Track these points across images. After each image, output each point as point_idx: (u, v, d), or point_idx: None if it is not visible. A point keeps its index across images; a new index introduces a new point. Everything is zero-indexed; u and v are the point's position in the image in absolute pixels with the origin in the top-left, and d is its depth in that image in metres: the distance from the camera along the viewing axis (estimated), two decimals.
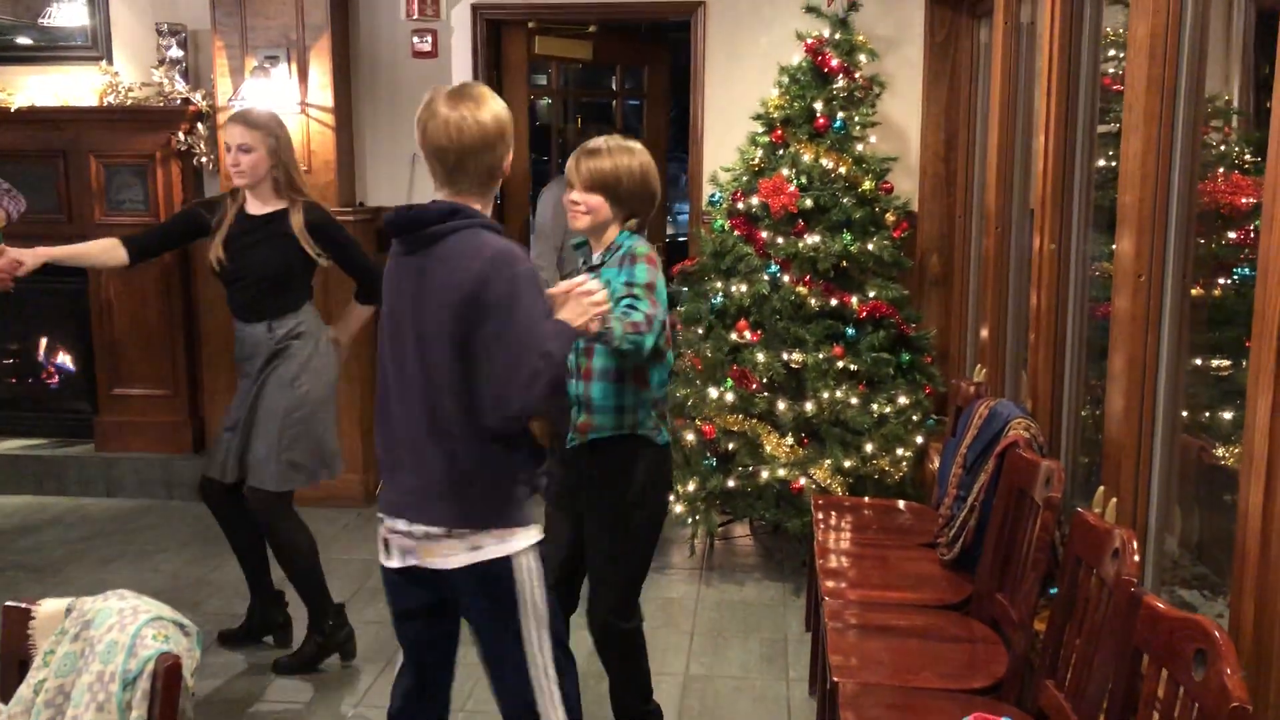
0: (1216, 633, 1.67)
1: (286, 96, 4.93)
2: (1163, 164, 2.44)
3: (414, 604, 2.33)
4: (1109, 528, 2.17)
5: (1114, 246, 2.62)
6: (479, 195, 2.22)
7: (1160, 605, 1.85)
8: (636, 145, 2.79)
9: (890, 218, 4.46)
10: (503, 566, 2.20)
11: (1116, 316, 2.58)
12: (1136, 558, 2.05)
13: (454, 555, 2.18)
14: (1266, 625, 1.80)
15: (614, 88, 6.39)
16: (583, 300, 2.24)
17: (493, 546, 2.18)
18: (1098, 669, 2.05)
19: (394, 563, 2.27)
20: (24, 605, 1.73)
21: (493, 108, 2.18)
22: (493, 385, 2.08)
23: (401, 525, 2.21)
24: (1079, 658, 2.21)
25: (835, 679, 2.52)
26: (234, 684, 3.50)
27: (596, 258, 2.76)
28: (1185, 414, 2.60)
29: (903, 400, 4.33)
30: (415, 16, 5.13)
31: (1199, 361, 2.77)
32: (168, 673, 1.57)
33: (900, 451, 4.27)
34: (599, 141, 2.75)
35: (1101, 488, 2.63)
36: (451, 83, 5.36)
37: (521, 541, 2.22)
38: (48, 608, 1.72)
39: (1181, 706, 1.73)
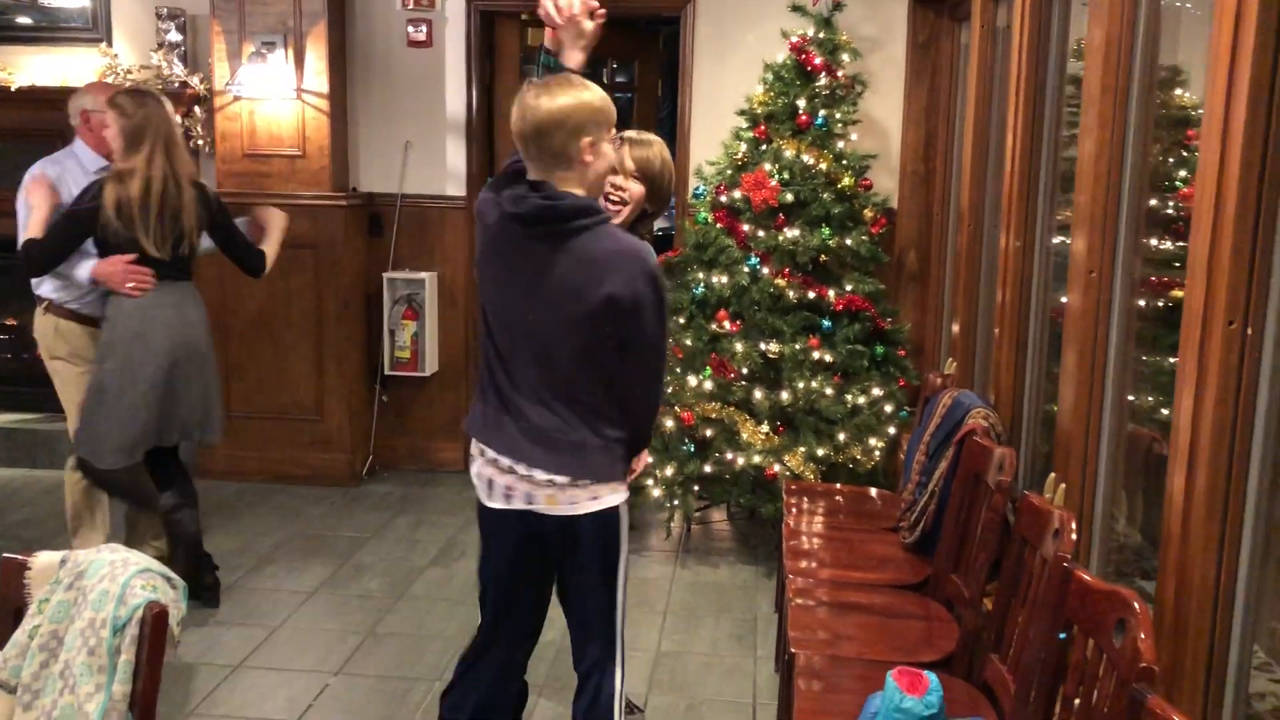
0: (1136, 603, 1.79)
1: (283, 82, 5.03)
2: (1114, 166, 2.55)
3: (515, 545, 2.45)
4: (1050, 509, 2.29)
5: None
6: (573, 179, 2.28)
7: (1088, 578, 1.97)
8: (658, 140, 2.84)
9: (869, 214, 4.57)
10: (613, 515, 2.40)
11: (1069, 312, 2.70)
12: (1074, 536, 2.17)
13: (577, 504, 2.35)
14: (1185, 599, 1.92)
15: (605, 80, 6.51)
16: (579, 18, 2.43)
17: (608, 497, 2.39)
18: (1033, 640, 2.18)
19: (501, 504, 2.39)
20: (20, 557, 1.84)
21: (575, 94, 2.24)
22: (633, 378, 2.36)
23: (522, 469, 2.34)
24: (1020, 632, 2.33)
25: (793, 650, 2.64)
26: (218, 648, 3.62)
27: None
28: (1164, 410, 2.71)
29: (876, 391, 4.45)
30: (411, 6, 5.22)
31: (1158, 359, 2.89)
32: (155, 620, 1.69)
33: (872, 441, 4.40)
34: (638, 132, 2.80)
35: (1052, 474, 2.75)
36: (444, 72, 5.47)
37: (625, 494, 2.43)
38: (43, 560, 1.83)
39: (1104, 670, 1.85)
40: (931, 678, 1.81)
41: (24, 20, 5.47)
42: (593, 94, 2.27)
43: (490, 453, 2.38)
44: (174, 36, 5.23)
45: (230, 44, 5.05)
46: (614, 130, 2.34)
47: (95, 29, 5.36)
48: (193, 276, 3.85)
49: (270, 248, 4.03)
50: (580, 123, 2.23)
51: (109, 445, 3.63)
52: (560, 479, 2.33)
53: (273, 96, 5.06)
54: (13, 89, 5.20)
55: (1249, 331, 1.81)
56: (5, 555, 1.84)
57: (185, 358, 3.72)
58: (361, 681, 3.43)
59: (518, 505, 2.37)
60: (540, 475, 2.33)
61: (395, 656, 3.61)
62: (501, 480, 2.38)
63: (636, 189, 2.72)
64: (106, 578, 1.74)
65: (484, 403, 2.40)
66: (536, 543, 2.44)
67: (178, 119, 4.86)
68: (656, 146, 2.78)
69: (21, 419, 5.62)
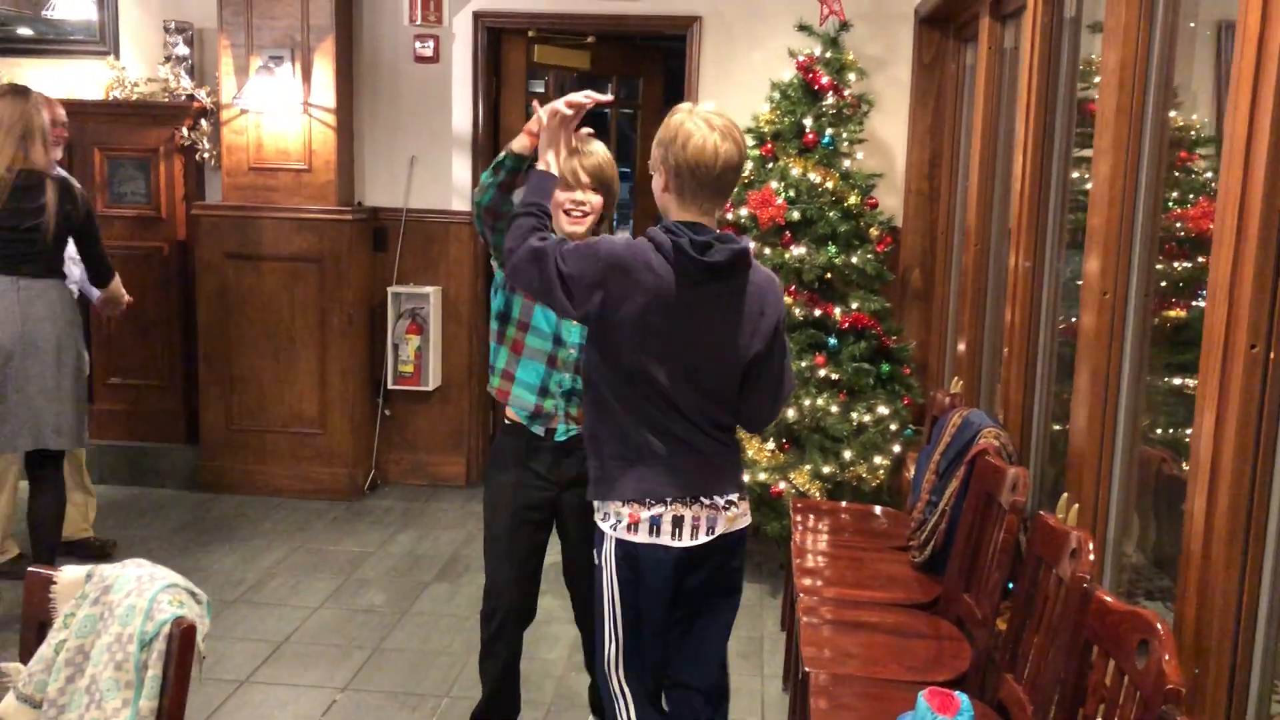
0: (1159, 624, 1.80)
1: (290, 96, 5.04)
2: (1129, 188, 2.57)
3: (690, 582, 2.42)
4: (1067, 529, 2.30)
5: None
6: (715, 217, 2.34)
7: (1109, 599, 1.98)
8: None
9: (874, 232, 4.60)
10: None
11: (1082, 332, 2.71)
12: (1091, 556, 2.18)
13: (743, 516, 2.43)
14: (1206, 621, 1.93)
15: (610, 97, 6.55)
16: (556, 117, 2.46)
17: (746, 510, 2.46)
18: (1052, 661, 2.18)
19: (694, 540, 2.35)
20: (46, 571, 1.83)
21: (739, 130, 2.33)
22: (771, 394, 2.43)
23: (705, 500, 2.35)
24: (1036, 652, 2.34)
25: (806, 669, 2.64)
26: (224, 663, 3.60)
27: None
28: (1169, 430, 2.73)
29: (882, 410, 4.47)
30: (418, 22, 5.25)
31: (1170, 380, 2.91)
32: (183, 635, 1.68)
33: (878, 460, 4.41)
34: (579, 140, 2.72)
35: (1065, 494, 2.76)
36: (450, 87, 5.46)
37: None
38: (69, 574, 1.82)
39: (1125, 694, 1.86)
40: (963, 698, 1.82)
41: (26, 32, 5.48)
42: None
43: (675, 503, 2.34)
44: (181, 50, 5.24)
45: (238, 58, 5.07)
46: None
47: (103, 42, 5.37)
48: (52, 273, 3.82)
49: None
50: (743, 164, 2.34)
51: None
52: (733, 496, 2.39)
53: (279, 110, 5.07)
54: None
55: (1271, 356, 1.83)
56: (31, 569, 1.85)
57: (20, 355, 3.71)
58: (368, 697, 3.42)
59: (702, 537, 2.36)
60: (719, 499, 2.37)
61: (402, 672, 3.60)
62: (675, 514, 2.34)
63: (596, 200, 2.71)
64: (133, 592, 1.74)
65: (645, 461, 2.33)
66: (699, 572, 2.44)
67: (184, 131, 4.89)
68: (600, 150, 2.77)
69: None
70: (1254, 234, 1.82)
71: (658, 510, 2.32)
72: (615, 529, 2.34)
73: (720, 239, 2.26)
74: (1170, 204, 2.87)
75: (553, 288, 2.24)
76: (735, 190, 2.34)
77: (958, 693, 1.82)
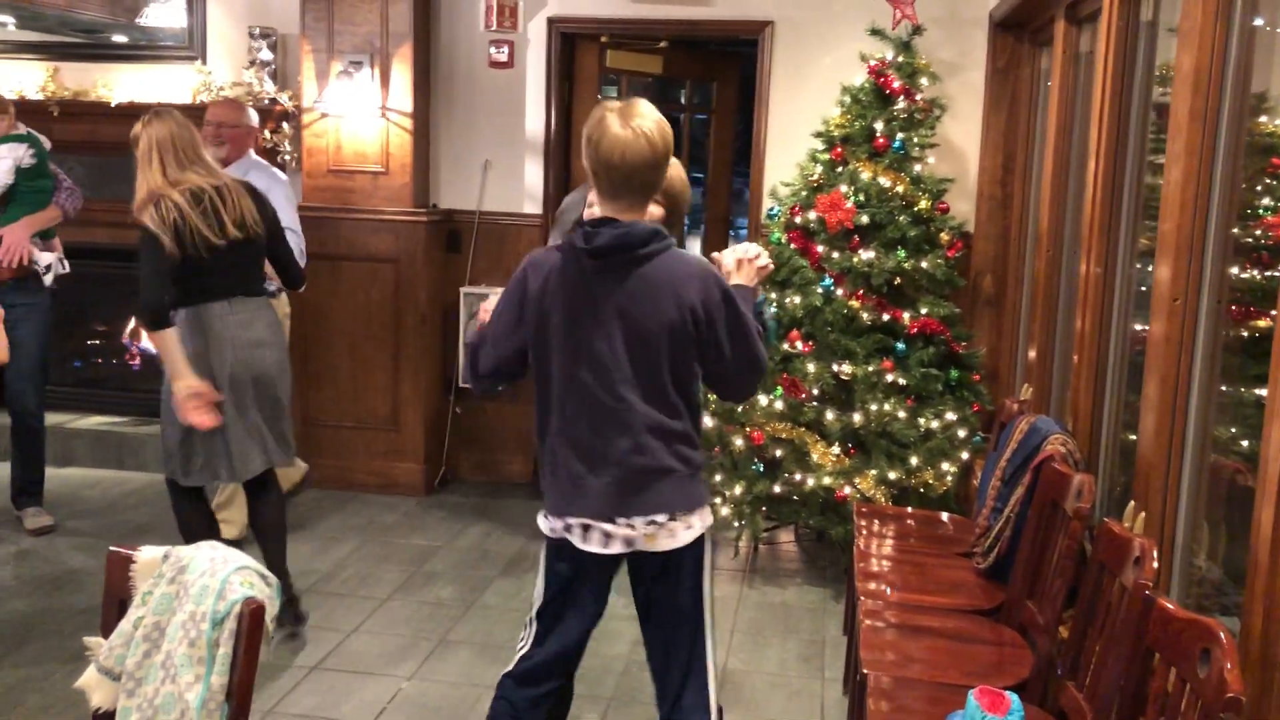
0: (1221, 632, 1.78)
1: (369, 100, 5.16)
2: (1202, 194, 2.53)
3: (603, 585, 2.45)
4: (1131, 537, 2.28)
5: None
6: (641, 212, 2.32)
7: (1171, 607, 1.95)
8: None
9: (945, 237, 4.56)
10: (703, 540, 2.41)
11: (1152, 339, 2.68)
12: (1155, 564, 2.15)
13: (676, 535, 2.35)
14: (1273, 632, 1.89)
15: (683, 102, 6.56)
16: (753, 264, 2.49)
17: (698, 524, 2.39)
18: (1112, 669, 2.16)
19: (607, 549, 2.34)
20: (126, 551, 1.92)
21: (663, 128, 2.28)
22: (726, 378, 2.39)
23: (622, 522, 2.31)
24: (1098, 659, 2.32)
25: (865, 671, 2.64)
26: (296, 650, 3.70)
27: None
28: (1245, 442, 2.67)
29: (950, 416, 4.43)
30: (494, 28, 5.32)
31: (1243, 390, 2.85)
32: (252, 615, 1.75)
33: (945, 466, 4.37)
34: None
35: (1132, 502, 2.73)
36: (524, 92, 5.55)
37: (710, 516, 2.44)
38: (147, 554, 1.90)
39: (1186, 702, 1.84)
40: (1013, 698, 1.81)
41: (121, 39, 5.68)
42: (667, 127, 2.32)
43: (579, 520, 2.35)
44: (265, 55, 5.40)
45: (319, 62, 5.20)
46: None
47: (191, 47, 5.55)
48: (262, 289, 3.67)
49: None
50: (666, 158, 2.28)
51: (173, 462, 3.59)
52: (659, 518, 2.33)
53: (358, 114, 5.19)
54: (112, 105, 5.40)
55: None
56: (112, 549, 1.93)
57: (250, 382, 3.57)
58: (433, 687, 3.49)
59: (616, 548, 2.35)
60: (638, 521, 2.32)
61: (466, 664, 3.67)
62: (599, 527, 2.34)
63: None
64: (207, 573, 1.81)
65: (553, 468, 2.37)
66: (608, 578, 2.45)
67: (267, 134, 5.02)
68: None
69: (110, 421, 5.80)
70: None
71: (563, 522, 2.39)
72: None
73: (618, 227, 2.24)
74: (1262, 211, 2.82)
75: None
76: (655, 183, 2.28)
77: (1009, 692, 1.81)
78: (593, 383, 2.30)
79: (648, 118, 2.25)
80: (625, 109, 2.26)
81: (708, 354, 2.34)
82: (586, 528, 2.34)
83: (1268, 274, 2.79)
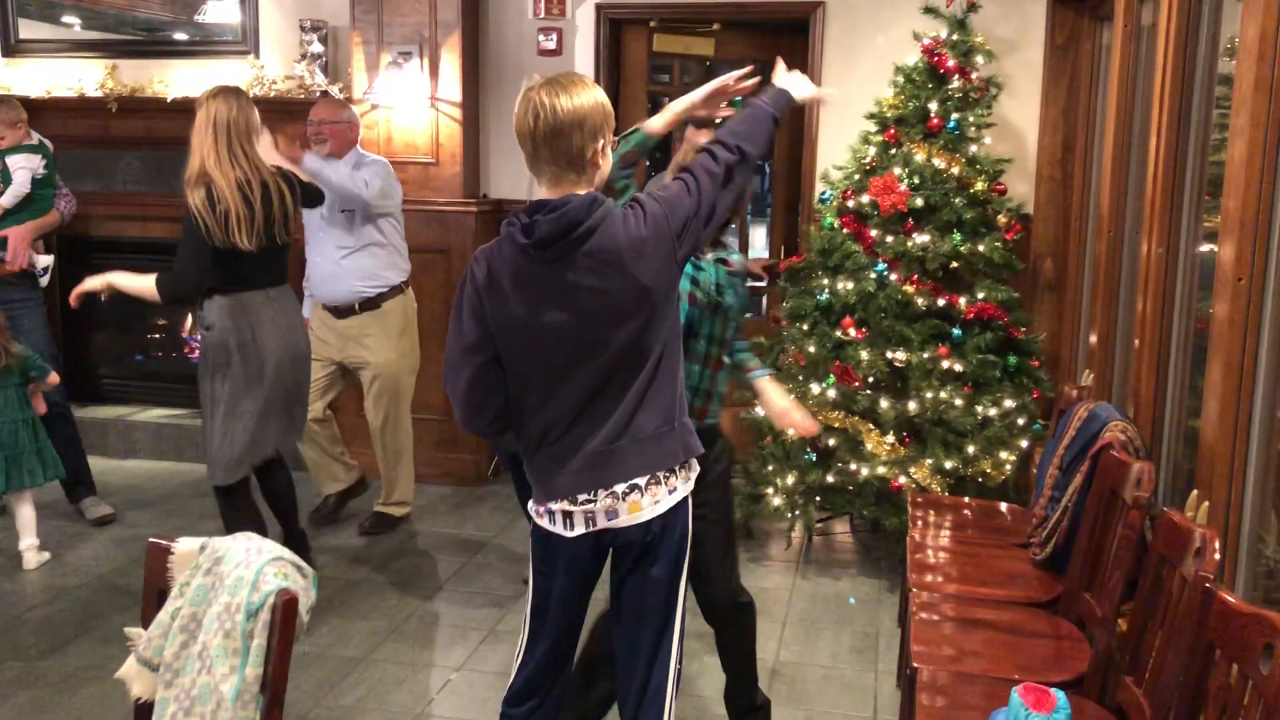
0: None
1: (418, 91, 5.17)
2: (1268, 168, 2.42)
3: (586, 576, 2.36)
4: (1191, 527, 2.19)
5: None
6: (583, 186, 2.20)
7: (1232, 600, 1.87)
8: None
9: (1002, 219, 4.45)
10: (686, 513, 2.30)
11: (1215, 321, 2.57)
12: (1217, 556, 2.06)
13: (659, 499, 2.24)
14: None
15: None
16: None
17: (681, 486, 2.28)
18: (1171, 664, 2.08)
19: (589, 528, 2.25)
20: (164, 542, 1.92)
21: (590, 93, 2.17)
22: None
23: (602, 494, 2.23)
24: (1157, 654, 2.23)
25: (915, 664, 2.58)
26: (346, 640, 3.72)
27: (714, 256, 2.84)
28: None
29: (1008, 403, 4.32)
30: (542, 16, 5.31)
31: None
32: (285, 606, 1.75)
33: (1003, 455, 4.27)
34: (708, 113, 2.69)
35: (1195, 491, 2.63)
36: None
37: (695, 469, 2.33)
38: (184, 545, 1.91)
39: (1248, 700, 1.76)
40: (1059, 695, 1.74)
41: (181, 36, 5.76)
42: (602, 94, 2.20)
43: (560, 505, 2.26)
44: (316, 48, 5.43)
45: (369, 54, 5.22)
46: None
47: (244, 42, 5.60)
48: (286, 278, 3.86)
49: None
50: (597, 124, 2.15)
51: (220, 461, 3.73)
52: (640, 480, 2.23)
53: (408, 105, 5.20)
54: (168, 100, 5.47)
55: None
56: (151, 540, 1.94)
57: (289, 366, 3.77)
58: (482, 678, 3.49)
59: (600, 525, 2.25)
60: (619, 487, 2.22)
61: (515, 654, 3.65)
62: (565, 508, 2.26)
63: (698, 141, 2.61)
64: (242, 564, 1.81)
65: (532, 459, 2.30)
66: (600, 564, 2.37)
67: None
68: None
69: (170, 414, 5.90)
70: None
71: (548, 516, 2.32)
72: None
73: (552, 208, 2.11)
74: None
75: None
76: (587, 151, 2.13)
77: (1054, 689, 1.75)
78: (570, 368, 2.20)
79: (563, 85, 2.14)
80: (546, 81, 2.16)
81: (667, 303, 2.22)
82: (568, 513, 2.26)
83: None
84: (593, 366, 2.19)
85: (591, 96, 2.16)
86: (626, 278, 2.15)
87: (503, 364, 2.26)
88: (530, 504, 2.36)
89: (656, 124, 2.58)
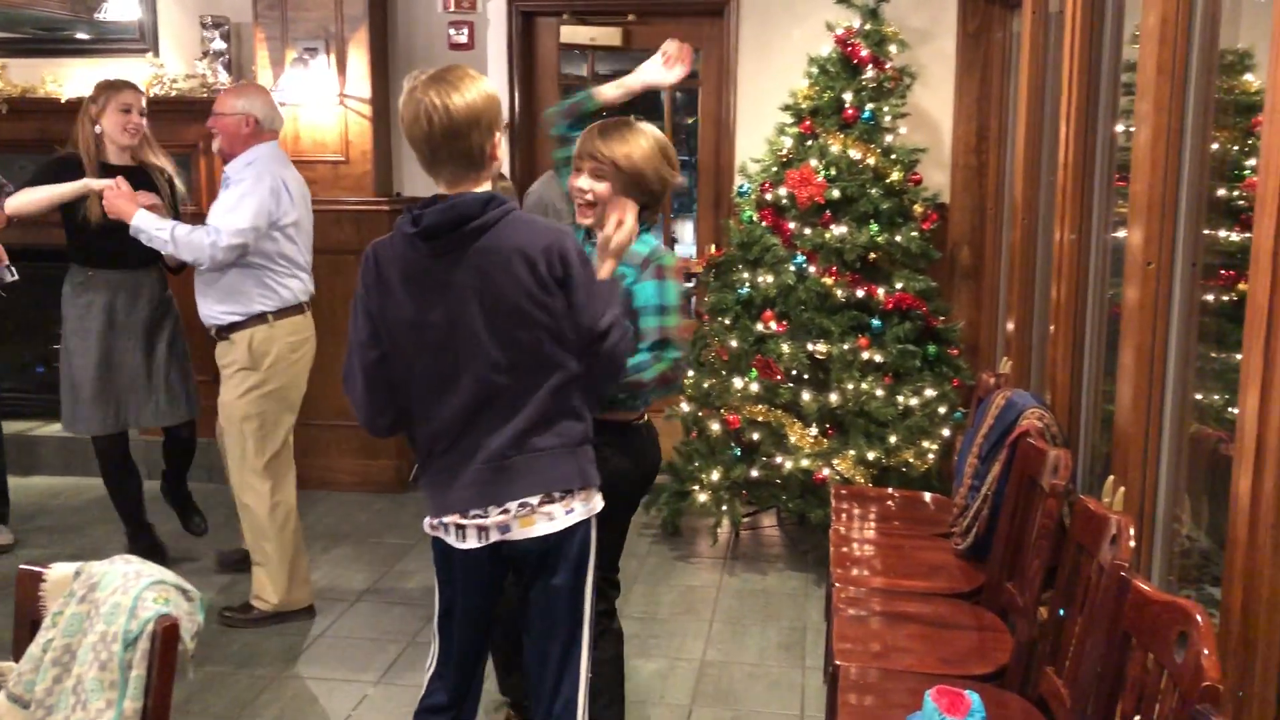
0: (1198, 615, 1.67)
1: (325, 88, 5.02)
2: (1173, 153, 2.42)
3: (486, 585, 2.30)
4: (1107, 514, 2.17)
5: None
6: (480, 182, 2.15)
7: (1147, 588, 1.85)
8: (645, 125, 2.61)
9: (919, 209, 4.45)
10: (586, 527, 2.25)
11: (1126, 306, 2.57)
12: (1133, 542, 2.05)
13: (555, 518, 2.18)
14: (1252, 610, 1.79)
15: None
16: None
17: (580, 508, 2.22)
18: (1090, 653, 2.06)
19: (482, 543, 2.19)
20: (36, 569, 1.80)
21: (480, 87, 2.11)
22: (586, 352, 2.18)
23: (494, 511, 2.16)
24: (1076, 644, 2.21)
25: (838, 662, 2.54)
26: (258, 658, 3.59)
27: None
28: (1232, 410, 2.57)
29: (929, 392, 4.32)
30: (452, 9, 5.19)
31: (1224, 355, 2.75)
32: (165, 633, 1.64)
33: (925, 444, 4.27)
34: (615, 122, 2.58)
35: (1111, 477, 2.62)
36: (486, 74, 5.42)
37: (598, 503, 2.28)
38: (57, 572, 1.79)
39: (1164, 688, 1.73)
40: (974, 698, 1.71)
41: (78, 35, 5.53)
42: (491, 84, 2.15)
43: (452, 519, 2.20)
44: (218, 45, 5.25)
45: (273, 51, 5.06)
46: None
47: (143, 40, 5.39)
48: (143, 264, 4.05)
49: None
50: (492, 118, 2.10)
51: None
52: (531, 500, 2.16)
53: (315, 103, 5.06)
54: (63, 100, 5.25)
55: None
56: (21, 567, 1.82)
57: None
58: (401, 691, 3.39)
59: (493, 539, 2.19)
60: (512, 506, 2.16)
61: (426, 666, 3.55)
62: (457, 521, 2.20)
63: (601, 189, 2.48)
64: (119, 590, 1.70)
65: (425, 467, 2.24)
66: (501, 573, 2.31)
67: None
68: (633, 138, 2.51)
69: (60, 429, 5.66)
70: None
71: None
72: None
73: (441, 203, 2.07)
74: (1247, 172, 2.70)
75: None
76: (485, 147, 2.09)
77: (969, 692, 1.71)
78: (457, 372, 2.13)
79: (452, 82, 2.07)
80: (431, 76, 2.09)
81: (564, 322, 2.14)
82: (460, 526, 2.19)
83: (1245, 235, 2.68)
84: (481, 374, 2.12)
85: (482, 90, 2.10)
86: (518, 284, 2.08)
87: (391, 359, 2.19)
88: (426, 518, 2.28)
89: (610, 93, 2.63)
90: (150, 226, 3.68)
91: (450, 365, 2.13)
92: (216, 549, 4.42)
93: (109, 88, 4.07)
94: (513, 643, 2.77)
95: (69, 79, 5.37)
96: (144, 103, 4.12)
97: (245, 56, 5.29)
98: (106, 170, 3.97)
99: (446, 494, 2.19)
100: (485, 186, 2.17)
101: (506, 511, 2.15)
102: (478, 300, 2.09)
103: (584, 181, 2.51)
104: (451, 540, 2.22)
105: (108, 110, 4.03)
